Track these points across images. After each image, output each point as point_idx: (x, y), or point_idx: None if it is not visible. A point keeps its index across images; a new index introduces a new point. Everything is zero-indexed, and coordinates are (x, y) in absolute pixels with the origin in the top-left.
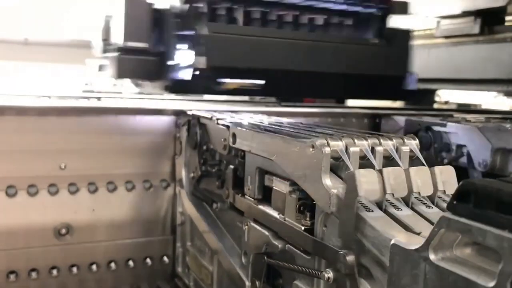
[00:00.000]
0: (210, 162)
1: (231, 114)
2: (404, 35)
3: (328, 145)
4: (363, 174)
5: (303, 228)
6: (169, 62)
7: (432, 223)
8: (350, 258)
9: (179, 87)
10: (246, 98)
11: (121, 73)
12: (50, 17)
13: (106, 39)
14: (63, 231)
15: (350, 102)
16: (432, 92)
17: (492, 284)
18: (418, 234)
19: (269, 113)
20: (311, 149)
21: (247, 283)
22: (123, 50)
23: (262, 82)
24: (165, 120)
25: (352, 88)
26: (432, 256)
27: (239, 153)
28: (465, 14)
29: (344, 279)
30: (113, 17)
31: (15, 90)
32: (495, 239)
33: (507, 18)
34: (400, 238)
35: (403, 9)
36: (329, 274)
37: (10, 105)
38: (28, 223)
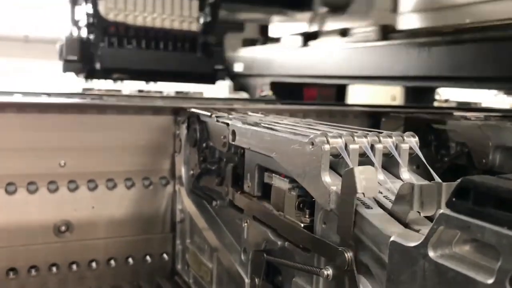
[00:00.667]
0: (209, 160)
1: (231, 112)
2: (219, 51)
3: (328, 142)
4: (362, 171)
5: (302, 225)
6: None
7: (431, 220)
8: (349, 255)
9: (90, 77)
10: (246, 95)
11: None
12: (51, 14)
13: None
14: (63, 228)
15: (350, 101)
16: (433, 90)
17: (491, 280)
18: (417, 231)
19: (268, 111)
20: (310, 146)
21: (247, 280)
22: (65, 60)
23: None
24: (165, 118)
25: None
26: (431, 253)
27: (239, 150)
28: None
29: (343, 276)
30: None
31: (15, 88)
32: (494, 236)
33: None
34: (399, 235)
35: (219, 40)
36: (328, 271)
37: (9, 102)
38: (27, 221)
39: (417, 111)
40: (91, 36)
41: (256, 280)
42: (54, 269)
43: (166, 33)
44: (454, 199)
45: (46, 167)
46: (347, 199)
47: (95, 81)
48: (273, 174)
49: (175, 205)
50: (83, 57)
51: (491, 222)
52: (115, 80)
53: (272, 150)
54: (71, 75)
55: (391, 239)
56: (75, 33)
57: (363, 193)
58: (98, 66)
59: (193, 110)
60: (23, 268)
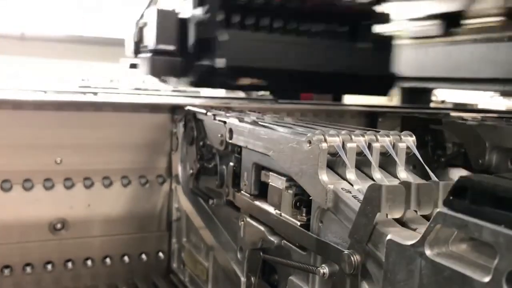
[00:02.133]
0: (206, 158)
1: (228, 110)
2: (388, 40)
3: (325, 141)
4: (390, 190)
5: (299, 223)
6: (194, 62)
7: (428, 220)
8: (356, 258)
9: (201, 83)
10: (242, 94)
11: (153, 71)
12: (48, 11)
13: (138, 42)
14: (58, 226)
15: (347, 100)
16: (429, 91)
17: (487, 279)
18: (414, 230)
19: (266, 110)
20: (307, 145)
21: (243, 279)
22: (155, 52)
23: (269, 79)
24: (162, 116)
25: (342, 85)
26: (428, 252)
27: (236, 148)
28: (430, 17)
29: (343, 277)
30: (145, 22)
31: (11, 85)
32: (491, 234)
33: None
34: (396, 233)
35: (386, 19)
36: (325, 269)
37: (5, 99)
38: (23, 218)
39: (414, 111)
40: (201, 12)
41: (252, 278)
42: (49, 266)
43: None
44: (451, 197)
45: (42, 164)
46: (367, 214)
47: (208, 90)
48: (270, 173)
49: (171, 204)
50: (183, 48)
51: (488, 221)
52: (243, 88)
53: (269, 149)
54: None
55: (388, 237)
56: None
57: (387, 214)
58: (220, 63)
59: (190, 108)
60: (18, 266)
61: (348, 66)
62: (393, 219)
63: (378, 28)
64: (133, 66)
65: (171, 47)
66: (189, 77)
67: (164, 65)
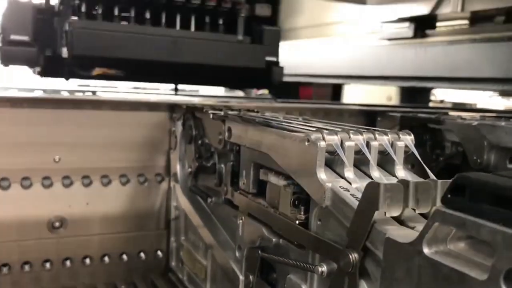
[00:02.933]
0: (205, 156)
1: (226, 108)
2: (273, 34)
3: (323, 139)
4: (388, 188)
5: (297, 222)
6: (45, 52)
7: (425, 218)
8: (354, 256)
9: (49, 73)
10: (241, 93)
11: (5, 61)
12: None
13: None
14: (57, 224)
15: (346, 99)
16: (428, 91)
17: (485, 277)
18: (412, 228)
19: (264, 108)
20: (306, 143)
21: (241, 277)
22: (8, 42)
23: (122, 70)
24: (160, 114)
25: (215, 77)
26: (426, 250)
27: (234, 147)
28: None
29: (342, 276)
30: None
31: (9, 84)
32: (489, 232)
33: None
34: (394, 232)
35: (265, 11)
36: (323, 268)
37: (4, 97)
38: (21, 216)
39: (413, 111)
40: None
41: (251, 277)
42: (47, 265)
43: None
44: (449, 195)
45: (41, 163)
46: (365, 212)
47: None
48: (269, 171)
49: (170, 202)
50: (36, 39)
51: (487, 219)
52: (94, 78)
53: (268, 147)
54: (16, 69)
55: (386, 235)
56: None
57: (385, 212)
58: (65, 53)
59: (188, 106)
60: (16, 264)
61: (222, 58)
62: (391, 217)
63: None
64: None
65: (24, 38)
66: (39, 67)
67: (17, 55)
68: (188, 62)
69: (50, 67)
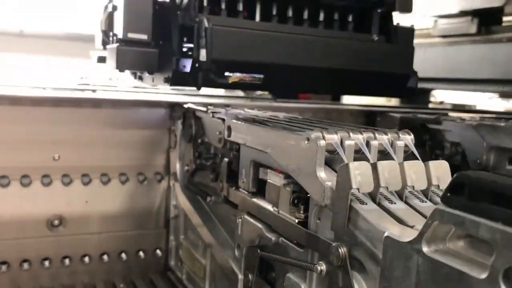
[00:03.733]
0: (204, 155)
1: (227, 108)
2: (407, 33)
3: (323, 138)
4: (356, 167)
5: (296, 221)
6: (170, 55)
7: (425, 217)
8: (343, 250)
9: (179, 80)
10: (241, 93)
11: (121, 65)
12: (47, 8)
13: (105, 31)
14: (56, 222)
15: (346, 100)
16: (428, 92)
17: (484, 276)
18: (412, 227)
19: (265, 108)
20: (306, 142)
21: (240, 276)
22: (123, 42)
23: (262, 76)
24: (160, 113)
25: (352, 84)
26: (425, 249)
27: (234, 146)
28: (462, 13)
29: (336, 272)
30: (113, 8)
31: (10, 81)
32: (488, 231)
33: (504, 18)
34: (393, 230)
35: (406, 6)
36: (322, 266)
37: (4, 95)
38: (20, 214)
39: (412, 111)
40: None
41: (250, 276)
42: (46, 263)
43: None
44: (449, 194)
45: (40, 161)
46: (342, 195)
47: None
48: (268, 170)
49: (169, 201)
50: (157, 39)
51: (486, 218)
52: (230, 87)
53: (268, 146)
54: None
55: (385, 234)
56: None
57: (358, 189)
58: (204, 56)
59: (189, 105)
60: (15, 262)
61: (357, 62)
62: (389, 216)
63: (396, 18)
64: (101, 59)
65: (143, 36)
66: (165, 72)
67: (135, 58)
68: (335, 68)
69: (180, 73)
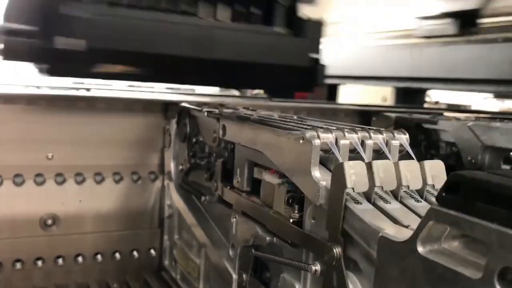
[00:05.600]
0: (199, 155)
1: (221, 107)
2: (315, 26)
3: (318, 137)
4: (352, 166)
5: (291, 220)
6: (51, 45)
7: (420, 217)
8: (337, 250)
9: (58, 70)
10: (236, 93)
11: (5, 55)
12: None
13: None
14: (49, 221)
15: (341, 99)
16: (423, 92)
17: (479, 276)
18: (407, 227)
19: (259, 107)
20: (300, 141)
21: (234, 276)
22: (7, 32)
23: (143, 66)
24: (155, 112)
25: (249, 76)
26: (420, 249)
27: (229, 145)
28: (444, 15)
29: (331, 272)
30: None
31: (3, 79)
32: (483, 231)
33: (484, 20)
34: (388, 230)
35: None
36: (316, 266)
37: None
38: (13, 213)
39: (408, 111)
40: None
41: (244, 276)
42: (39, 263)
43: None
44: (444, 194)
45: (33, 160)
46: (337, 194)
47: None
48: (263, 169)
49: (164, 201)
50: (38, 29)
51: (481, 217)
52: (113, 77)
53: (262, 145)
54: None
55: (380, 234)
56: None
57: (353, 188)
58: (80, 45)
59: (183, 104)
60: (7, 262)
61: (258, 54)
62: (384, 215)
63: (303, 10)
64: None
65: (24, 27)
66: (44, 63)
67: (18, 49)
68: (219, 59)
69: (59, 64)
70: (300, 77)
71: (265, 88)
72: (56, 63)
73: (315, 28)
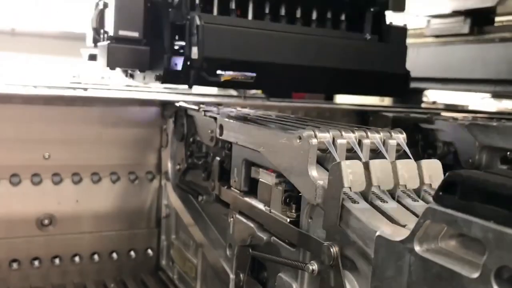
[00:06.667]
0: (196, 154)
1: (219, 106)
2: (400, 32)
3: (315, 136)
4: (349, 165)
5: (288, 220)
6: (162, 53)
7: (417, 216)
8: (334, 249)
9: (170, 78)
10: (234, 92)
11: (111, 62)
12: (39, 7)
13: (96, 28)
14: (46, 221)
15: (339, 99)
16: (420, 92)
17: (476, 275)
18: (404, 226)
19: (257, 107)
20: (298, 141)
21: (231, 276)
22: (114, 39)
23: (254, 74)
24: (152, 112)
25: (345, 83)
26: (417, 248)
27: (226, 145)
28: (455, 13)
29: (328, 271)
30: (104, 5)
31: (1, 80)
32: (480, 230)
33: (497, 18)
34: (385, 230)
35: (399, 6)
36: (314, 266)
37: None
38: (10, 213)
39: (405, 111)
40: None
41: (241, 275)
42: (36, 263)
43: None
44: (441, 193)
45: (30, 159)
46: (334, 193)
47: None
48: (260, 169)
49: (161, 200)
50: (149, 37)
51: (478, 216)
52: (222, 86)
53: (260, 145)
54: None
55: (377, 233)
56: None
57: (350, 187)
58: (195, 54)
59: (180, 104)
60: (4, 262)
61: (349, 61)
62: (381, 215)
63: (389, 17)
64: (92, 57)
65: (134, 34)
66: (156, 70)
67: (126, 56)
68: (327, 67)
69: (172, 71)
70: (393, 83)
71: (357, 94)
72: (169, 72)
73: (400, 35)
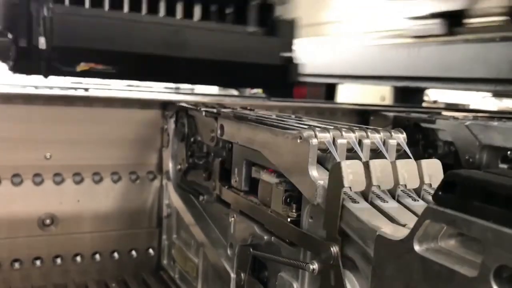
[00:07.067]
0: (197, 154)
1: (220, 106)
2: (288, 25)
3: (316, 136)
4: (349, 165)
5: (289, 219)
6: (18, 43)
7: (417, 216)
8: (335, 249)
9: (24, 68)
10: (235, 92)
11: None
12: None
13: None
14: (48, 221)
15: (340, 100)
16: (421, 91)
17: (475, 274)
18: (404, 226)
19: (258, 107)
20: (298, 141)
21: (232, 275)
22: None
23: (114, 65)
24: (153, 112)
25: (216, 74)
26: (417, 247)
27: (227, 144)
28: (432, 16)
29: (328, 271)
30: None
31: (2, 79)
32: (479, 229)
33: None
34: (385, 229)
35: None
36: (314, 265)
37: None
38: (11, 213)
39: (406, 110)
40: None
41: (242, 275)
42: (38, 262)
43: None
44: (440, 192)
45: (31, 159)
46: (334, 193)
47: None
48: (261, 169)
49: (162, 200)
50: (12, 29)
51: (477, 216)
52: (78, 75)
53: (260, 144)
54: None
55: (377, 233)
56: None
57: (350, 187)
58: (43, 43)
59: (181, 104)
60: (6, 261)
61: (223, 52)
62: (381, 214)
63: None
64: None
65: None
66: (11, 61)
67: None
68: (191, 57)
69: (25, 61)
70: (272, 75)
71: (235, 86)
72: (22, 62)
73: (288, 28)
